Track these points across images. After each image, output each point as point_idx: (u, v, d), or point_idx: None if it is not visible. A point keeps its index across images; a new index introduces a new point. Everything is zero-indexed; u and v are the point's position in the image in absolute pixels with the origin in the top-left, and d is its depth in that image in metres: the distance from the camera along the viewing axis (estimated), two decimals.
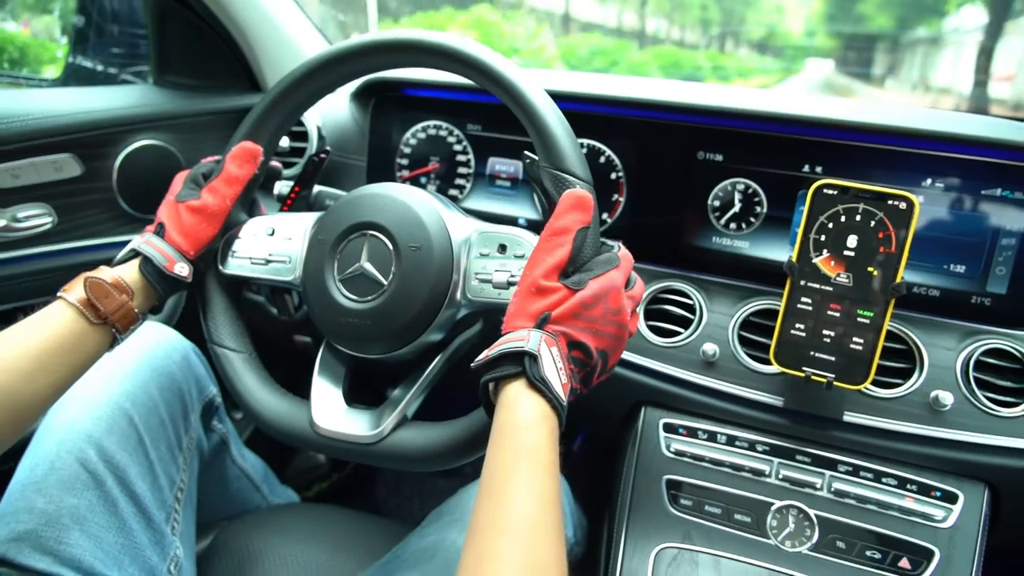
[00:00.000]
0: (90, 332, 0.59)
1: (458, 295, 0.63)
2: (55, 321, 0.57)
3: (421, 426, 0.62)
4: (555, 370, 0.49)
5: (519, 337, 0.50)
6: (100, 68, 1.22)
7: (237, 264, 0.70)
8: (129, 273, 0.62)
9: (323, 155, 0.80)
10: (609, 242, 0.60)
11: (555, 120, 0.59)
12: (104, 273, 0.61)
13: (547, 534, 0.43)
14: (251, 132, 0.69)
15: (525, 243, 0.62)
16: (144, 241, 0.64)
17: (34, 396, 0.56)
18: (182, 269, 0.64)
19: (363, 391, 0.68)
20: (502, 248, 0.62)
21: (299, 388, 0.70)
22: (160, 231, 0.65)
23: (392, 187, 0.67)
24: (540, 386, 0.48)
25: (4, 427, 0.54)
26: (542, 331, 0.51)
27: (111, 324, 0.59)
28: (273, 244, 0.69)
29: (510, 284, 0.61)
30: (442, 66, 0.65)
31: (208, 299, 0.69)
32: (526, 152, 0.62)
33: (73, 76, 1.24)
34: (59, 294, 0.59)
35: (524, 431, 0.47)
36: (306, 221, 0.69)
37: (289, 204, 0.81)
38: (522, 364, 0.49)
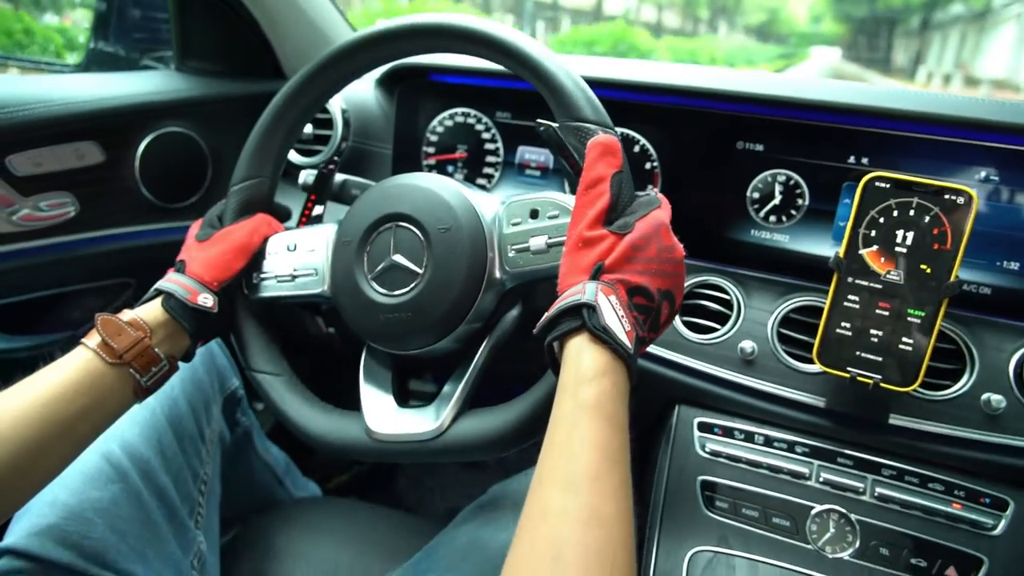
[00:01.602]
0: (106, 373, 0.55)
1: (497, 272, 0.60)
2: (70, 364, 0.55)
3: (481, 412, 0.59)
4: (616, 318, 0.47)
5: (575, 291, 0.48)
6: (122, 53, 1.21)
7: (262, 286, 0.68)
8: (150, 311, 0.60)
9: (331, 166, 0.78)
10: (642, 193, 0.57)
11: (561, 71, 0.57)
12: (122, 313, 0.59)
13: (610, 490, 0.41)
14: (271, 124, 0.68)
15: (557, 203, 0.58)
16: (165, 279, 0.63)
17: (42, 444, 0.51)
18: (206, 300, 0.61)
19: (403, 392, 0.66)
20: (534, 214, 0.59)
21: (328, 383, 0.68)
22: (181, 268, 0.64)
23: (409, 176, 0.64)
24: (602, 335, 0.46)
25: (10, 480, 0.50)
26: (597, 281, 0.49)
27: (128, 364, 0.56)
28: (296, 259, 0.67)
29: (550, 246, 0.57)
30: (439, 47, 0.63)
31: (239, 326, 0.67)
32: (539, 120, 0.59)
33: (94, 62, 1.23)
34: (81, 340, 0.57)
35: (586, 384, 0.45)
36: (326, 231, 0.67)
37: (304, 221, 0.78)
38: (581, 317, 0.47)
